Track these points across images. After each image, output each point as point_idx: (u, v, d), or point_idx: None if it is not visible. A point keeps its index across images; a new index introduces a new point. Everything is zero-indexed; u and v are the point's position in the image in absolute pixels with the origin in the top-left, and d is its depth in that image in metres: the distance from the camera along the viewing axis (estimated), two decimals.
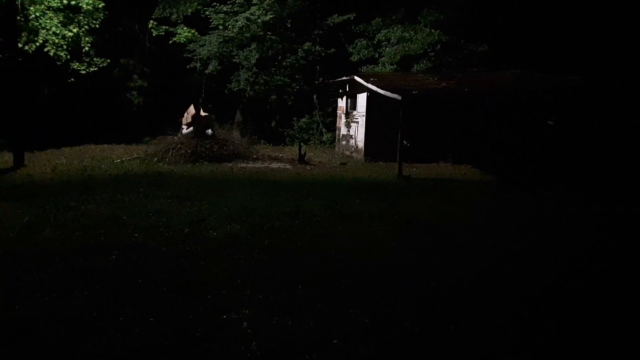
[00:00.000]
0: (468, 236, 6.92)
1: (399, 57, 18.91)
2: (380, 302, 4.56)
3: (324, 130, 21.07)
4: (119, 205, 8.17)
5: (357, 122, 16.73)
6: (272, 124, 23.33)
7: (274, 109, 22.64)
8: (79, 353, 3.54)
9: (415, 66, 18.82)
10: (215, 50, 19.80)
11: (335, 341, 3.77)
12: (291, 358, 3.57)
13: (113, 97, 22.29)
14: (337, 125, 19.25)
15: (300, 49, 20.18)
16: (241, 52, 20.22)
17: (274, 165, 14.24)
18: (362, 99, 16.33)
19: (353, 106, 17.29)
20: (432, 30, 18.43)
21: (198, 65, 20.70)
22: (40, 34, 16.17)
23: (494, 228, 7.44)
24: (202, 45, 20.16)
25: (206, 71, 20.50)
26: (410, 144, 13.90)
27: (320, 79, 20.40)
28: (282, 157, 15.92)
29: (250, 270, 5.30)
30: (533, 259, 6.04)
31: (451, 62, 18.99)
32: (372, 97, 15.34)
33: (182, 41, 20.27)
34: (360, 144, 16.36)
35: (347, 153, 17.36)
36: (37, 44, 16.25)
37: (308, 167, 14.02)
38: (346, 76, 17.02)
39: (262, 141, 20.77)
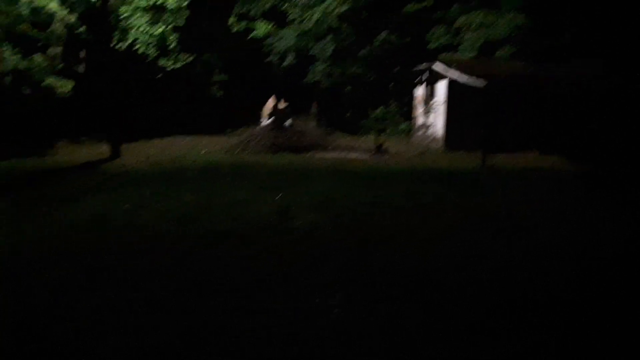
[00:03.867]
0: (559, 235, 6.53)
1: (480, 43, 18.13)
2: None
3: (400, 119, 20.75)
4: (207, 194, 8.54)
5: (436, 111, 16.30)
6: (347, 115, 23.35)
7: (349, 100, 22.63)
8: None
9: (498, 52, 17.96)
10: (292, 43, 20.09)
11: None
12: None
13: (196, 91, 23.34)
14: (414, 114, 18.90)
15: (375, 40, 19.94)
16: (317, 44, 20.34)
17: (351, 155, 14.26)
18: (441, 87, 15.89)
19: (432, 95, 16.87)
20: (517, 14, 17.46)
21: (275, 58, 21.11)
22: (131, 33, 17.19)
23: (585, 225, 6.95)
24: (280, 39, 20.52)
25: (283, 64, 20.86)
26: (494, 133, 13.34)
27: (397, 68, 20.07)
28: (358, 147, 15.91)
29: (332, 261, 5.35)
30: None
31: (536, 47, 17.91)
32: (452, 85, 14.87)
33: (260, 36, 20.74)
34: (440, 133, 15.93)
35: (426, 143, 16.99)
36: (128, 42, 17.29)
37: (386, 157, 13.90)
38: (425, 64, 16.62)
39: (337, 131, 20.83)
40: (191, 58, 19.55)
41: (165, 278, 4.78)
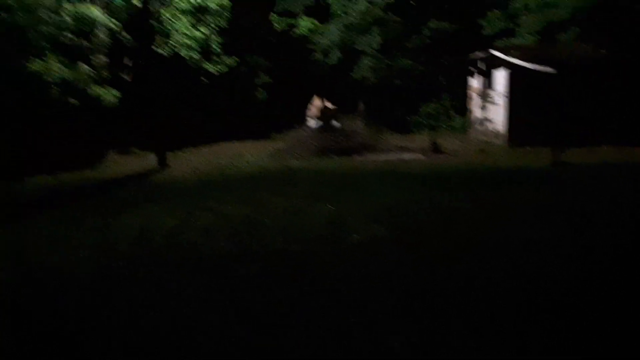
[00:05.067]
0: None
1: (540, 25, 16.71)
2: None
3: (454, 114, 19.57)
4: (256, 205, 7.94)
5: (496, 103, 15.10)
6: (396, 112, 22.37)
7: (398, 95, 21.64)
8: None
9: (562, 35, 16.48)
10: (337, 38, 19.32)
11: None
12: None
13: (241, 94, 23.01)
14: (470, 108, 17.71)
15: (425, 28, 18.83)
16: (362, 37, 19.48)
17: (405, 156, 13.36)
18: (500, 76, 14.68)
19: (489, 85, 15.67)
20: None
21: (320, 55, 20.42)
22: (173, 37, 17.00)
23: None
24: (323, 35, 19.80)
25: (329, 61, 20.14)
26: (566, 124, 12.08)
27: (449, 58, 18.90)
28: (411, 146, 14.98)
29: (400, 283, 4.57)
30: None
31: (606, 28, 16.31)
32: (514, 73, 13.67)
33: (303, 32, 20.11)
34: (501, 127, 14.74)
35: (484, 139, 15.81)
36: (171, 47, 17.10)
37: (442, 157, 12.92)
38: (480, 52, 15.44)
39: (386, 130, 19.90)
40: (236, 61, 19.20)
41: (212, 308, 4.16)
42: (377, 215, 6.99)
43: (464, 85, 18.33)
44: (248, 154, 15.20)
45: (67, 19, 13.15)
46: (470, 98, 17.41)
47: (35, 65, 12.66)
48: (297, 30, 20.35)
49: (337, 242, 5.92)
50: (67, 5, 13.47)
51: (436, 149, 13.68)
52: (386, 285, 4.57)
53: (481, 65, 15.99)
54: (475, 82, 16.86)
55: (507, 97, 14.39)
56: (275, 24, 20.49)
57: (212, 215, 7.41)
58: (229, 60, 18.86)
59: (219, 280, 4.84)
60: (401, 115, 21.56)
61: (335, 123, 14.95)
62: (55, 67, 12.97)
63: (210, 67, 18.41)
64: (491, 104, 15.40)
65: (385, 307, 4.12)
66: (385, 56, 19.60)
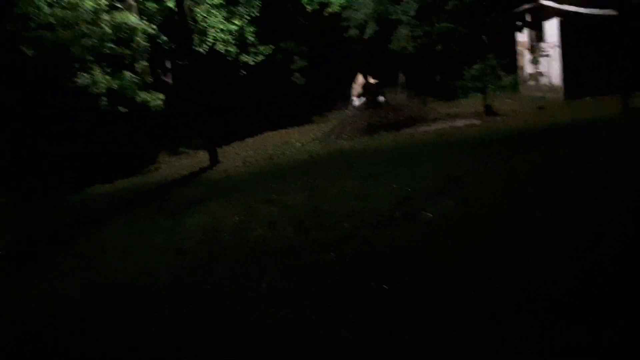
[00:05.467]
0: None
1: None
2: None
3: (501, 73, 18.64)
4: (315, 192, 7.80)
5: (548, 56, 14.25)
6: (437, 78, 21.60)
7: (438, 61, 20.85)
8: None
9: None
10: (370, 10, 18.73)
11: None
12: None
13: (278, 82, 22.87)
14: (519, 64, 16.82)
15: None
16: (397, 6, 18.79)
17: (459, 122, 12.82)
18: (551, 27, 13.80)
19: (539, 38, 14.79)
20: None
21: (354, 31, 19.90)
22: (210, 33, 16.99)
23: None
24: (357, 10, 19.25)
25: (364, 36, 19.60)
26: (631, 69, 11.21)
27: (492, 15, 17.92)
28: (462, 112, 14.38)
29: (487, 266, 4.29)
30: None
31: None
32: (566, 22, 12.83)
33: (336, 10, 19.63)
34: (556, 80, 13.91)
35: (539, 94, 15.00)
36: (209, 43, 17.12)
37: (499, 119, 12.32)
38: (527, 4, 14.54)
39: (430, 99, 19.25)
40: (271, 49, 19.02)
41: (300, 306, 4.05)
42: (443, 189, 6.68)
43: (511, 42, 17.39)
44: (294, 141, 15.08)
45: (107, 29, 13.36)
46: (519, 54, 16.50)
47: (83, 79, 12.97)
48: (329, 9, 19.86)
49: (409, 222, 5.68)
50: (105, 16, 13.69)
51: (490, 111, 13.06)
52: (475, 265, 4.30)
53: (528, 18, 15.08)
54: (523, 37, 15.96)
55: (560, 47, 13.53)
56: (307, 5, 20.08)
57: (274, 207, 7.33)
58: (265, 49, 18.70)
59: (296, 274, 4.72)
60: (444, 81, 20.80)
61: (380, 98, 14.54)
62: (101, 79, 13.25)
63: (247, 59, 18.34)
64: (543, 56, 14.53)
65: (480, 300, 3.86)
66: (423, 22, 18.84)
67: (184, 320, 4.16)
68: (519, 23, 16.01)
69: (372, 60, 22.14)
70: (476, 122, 12.47)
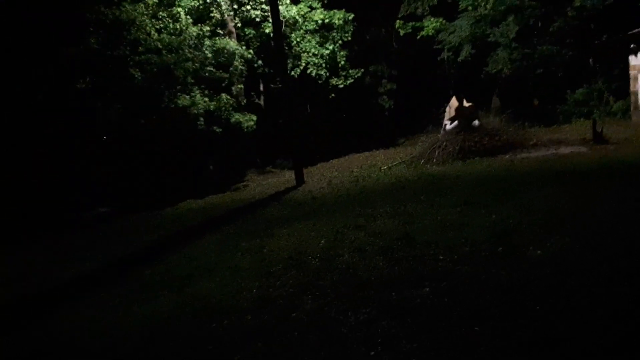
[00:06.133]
0: None
1: None
2: None
3: (610, 98, 17.12)
4: (406, 219, 7.42)
5: None
6: (535, 103, 20.31)
7: (537, 85, 19.62)
8: None
9: None
10: (467, 33, 18.12)
11: None
12: None
13: (366, 104, 22.82)
14: (632, 89, 15.26)
15: (569, 8, 16.78)
16: (496, 28, 18.01)
17: (563, 150, 11.78)
18: None
19: None
20: None
21: (449, 54, 19.36)
22: (303, 57, 17.33)
23: None
24: (452, 33, 18.74)
25: (459, 58, 18.99)
26: None
27: (602, 37, 16.59)
28: (565, 139, 13.22)
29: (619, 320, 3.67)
30: None
31: None
32: None
33: (430, 33, 19.27)
34: None
35: None
36: (301, 67, 17.45)
37: (611, 147, 11.15)
38: None
39: (527, 124, 18.06)
40: (361, 72, 19.03)
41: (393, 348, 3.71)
42: (551, 224, 6.03)
43: (623, 65, 15.91)
44: (381, 163, 14.75)
45: (209, 54, 14.04)
46: (633, 78, 15.02)
47: (183, 100, 13.68)
48: (422, 32, 19.55)
49: (515, 259, 5.13)
50: (207, 42, 14.43)
51: (599, 138, 11.88)
52: (587, 317, 3.72)
53: None
54: (637, 60, 14.52)
55: None
56: (400, 30, 19.93)
57: (362, 232, 7.05)
58: (355, 72, 18.73)
59: (389, 311, 4.37)
60: (544, 105, 19.49)
61: (475, 122, 13.80)
62: (200, 100, 13.91)
63: (337, 82, 18.46)
64: None
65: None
66: (523, 45, 17.87)
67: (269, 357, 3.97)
68: (633, 45, 14.61)
69: (465, 83, 21.41)
70: (584, 149, 11.39)
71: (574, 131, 14.74)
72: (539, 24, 17.47)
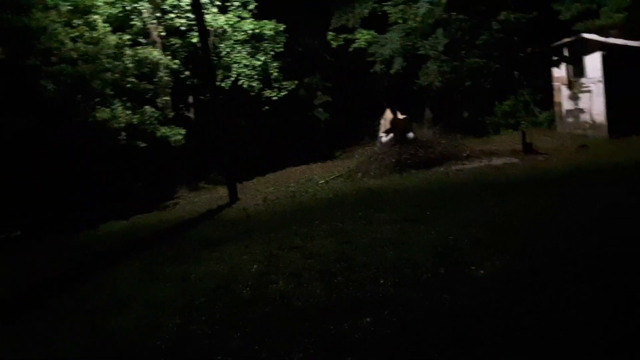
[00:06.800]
0: None
1: (628, 2, 14.83)
2: None
3: (536, 109, 17.83)
4: (344, 238, 6.98)
5: (590, 91, 13.40)
6: (465, 115, 20.86)
7: (467, 97, 20.15)
8: None
9: None
10: (398, 46, 18.27)
11: None
12: None
13: (301, 117, 22.47)
14: (556, 100, 15.95)
15: (494, 22, 17.32)
16: (426, 41, 18.29)
17: (495, 161, 11.94)
18: (592, 61, 13.02)
19: (579, 73, 13.99)
20: None
21: (381, 67, 19.43)
22: (233, 69, 16.70)
23: None
24: (384, 45, 18.83)
25: (391, 71, 19.10)
26: None
27: (525, 50, 17.24)
28: (497, 150, 13.50)
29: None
30: None
31: None
32: (610, 55, 12.02)
33: (362, 45, 19.27)
34: (599, 117, 13.02)
35: (578, 132, 14.08)
36: (232, 78, 16.80)
37: (541, 158, 11.41)
38: (566, 38, 13.83)
39: (458, 135, 18.44)
40: (295, 84, 18.65)
41: None
42: (493, 240, 5.82)
43: (546, 77, 16.61)
44: (318, 177, 14.37)
45: (129, 64, 13.09)
46: (556, 89, 15.68)
47: (102, 113, 12.62)
48: (354, 45, 19.52)
49: (458, 280, 4.81)
50: (128, 51, 13.46)
51: (529, 149, 12.17)
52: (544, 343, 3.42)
53: (566, 53, 14.34)
54: (560, 72, 15.18)
55: (603, 82, 12.69)
56: (332, 42, 19.80)
57: (299, 254, 6.52)
58: (288, 84, 18.33)
59: (327, 348, 3.87)
60: (473, 117, 20.02)
61: (410, 135, 13.77)
62: (121, 113, 12.90)
63: (270, 94, 17.96)
64: (584, 92, 13.69)
65: None
66: (452, 57, 18.26)
67: None
68: (555, 58, 15.27)
69: (398, 95, 21.62)
70: (515, 160, 11.59)
71: (504, 142, 15.12)
72: (467, 37, 17.92)
